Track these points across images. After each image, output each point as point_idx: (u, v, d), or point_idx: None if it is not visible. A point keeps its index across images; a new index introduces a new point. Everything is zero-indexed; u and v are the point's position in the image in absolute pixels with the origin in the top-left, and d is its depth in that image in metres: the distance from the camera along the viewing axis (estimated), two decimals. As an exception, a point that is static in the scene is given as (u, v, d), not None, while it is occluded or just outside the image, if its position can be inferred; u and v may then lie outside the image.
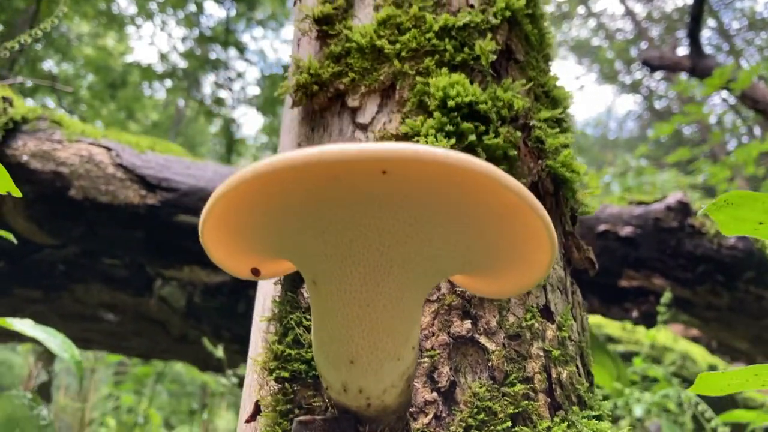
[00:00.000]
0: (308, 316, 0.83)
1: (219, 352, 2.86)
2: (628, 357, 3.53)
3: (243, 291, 2.62)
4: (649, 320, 2.42)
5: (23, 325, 1.74)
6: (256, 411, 0.82)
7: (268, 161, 0.55)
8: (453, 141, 0.87)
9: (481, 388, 0.76)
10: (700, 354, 3.87)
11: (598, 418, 0.84)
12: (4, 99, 2.40)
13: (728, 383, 0.96)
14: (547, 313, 0.85)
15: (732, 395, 3.81)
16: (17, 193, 0.90)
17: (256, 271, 0.70)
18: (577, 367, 0.86)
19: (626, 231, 2.44)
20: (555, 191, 0.94)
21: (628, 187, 8.68)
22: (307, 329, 0.82)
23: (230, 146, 9.18)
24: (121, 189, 2.41)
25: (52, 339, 1.73)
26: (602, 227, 2.48)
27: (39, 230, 2.50)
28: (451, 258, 0.66)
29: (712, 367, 3.85)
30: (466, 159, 0.55)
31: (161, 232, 2.47)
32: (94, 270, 2.84)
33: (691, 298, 2.47)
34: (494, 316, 0.81)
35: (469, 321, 0.80)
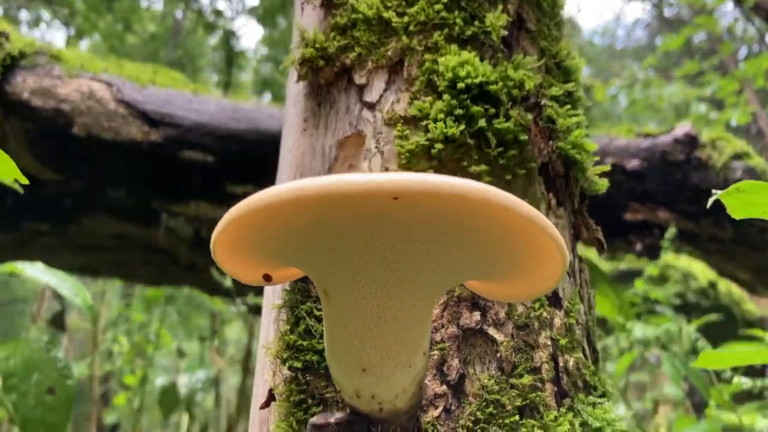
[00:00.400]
0: (319, 306, 0.84)
1: (227, 281, 2.91)
2: (631, 276, 3.57)
3: (249, 226, 2.63)
4: (652, 253, 2.44)
5: (35, 271, 1.76)
6: (270, 398, 0.84)
7: (276, 191, 0.55)
8: (462, 126, 0.86)
9: (489, 380, 0.78)
10: (701, 270, 3.92)
11: (603, 395, 0.86)
12: (0, 34, 2.34)
13: (731, 359, 0.98)
14: (555, 300, 0.86)
15: (730, 310, 3.89)
16: (24, 181, 0.89)
17: (267, 277, 0.70)
18: (584, 349, 0.88)
19: (633, 164, 2.43)
20: (565, 172, 0.93)
21: (635, 100, 8.56)
22: (318, 320, 0.83)
23: (230, 59, 9.01)
24: (123, 126, 2.39)
25: (64, 284, 1.75)
26: (609, 160, 2.46)
27: (43, 167, 2.49)
28: (462, 271, 0.67)
29: (712, 284, 3.91)
30: (484, 191, 0.54)
31: (166, 169, 2.47)
32: (100, 203, 2.85)
33: (695, 231, 2.48)
34: (503, 308, 0.82)
35: (479, 312, 0.81)
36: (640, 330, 2.86)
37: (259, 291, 3.35)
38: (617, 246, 2.48)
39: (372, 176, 0.53)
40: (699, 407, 2.09)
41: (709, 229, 2.46)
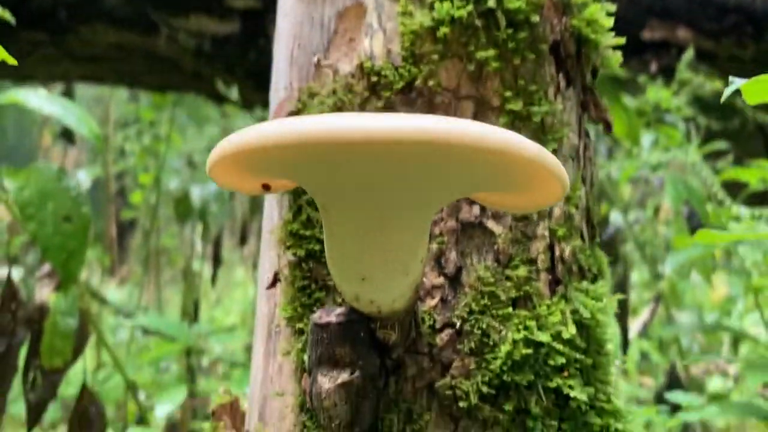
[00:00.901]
0: (320, 195, 0.84)
1: (233, 94, 2.88)
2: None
3: (253, 41, 2.55)
4: (667, 74, 2.38)
5: (39, 101, 1.74)
6: (275, 280, 0.88)
7: (276, 130, 0.53)
8: (471, 7, 0.80)
9: (486, 271, 0.80)
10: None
11: (596, 277, 0.89)
12: None
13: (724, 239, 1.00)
14: (556, 187, 0.86)
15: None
16: (12, 62, 0.85)
17: (266, 187, 0.70)
18: (582, 233, 0.89)
19: (656, -23, 2.28)
20: (577, 51, 0.88)
21: None
22: (317, 208, 0.84)
23: None
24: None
25: (69, 114, 1.75)
26: (631, -28, 2.32)
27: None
28: (462, 190, 0.67)
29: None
30: (503, 142, 0.53)
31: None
32: (98, 11, 2.75)
33: (714, 50, 2.39)
34: (503, 200, 0.82)
35: (478, 206, 0.81)
36: (648, 139, 2.87)
37: (266, 105, 3.33)
38: (632, 66, 2.41)
39: (383, 122, 0.51)
40: (696, 230, 2.15)
41: (730, 49, 2.37)
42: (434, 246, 0.81)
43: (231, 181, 0.67)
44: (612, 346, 0.89)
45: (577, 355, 0.81)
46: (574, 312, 0.83)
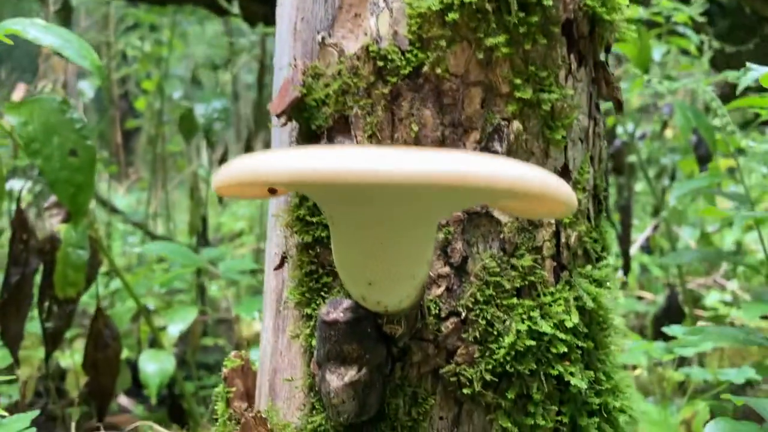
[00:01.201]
0: (326, 181, 0.84)
1: (234, 9, 2.80)
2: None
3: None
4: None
5: (36, 33, 1.71)
6: (283, 261, 0.89)
7: (284, 164, 0.52)
8: (481, -10, 0.77)
9: (491, 261, 0.81)
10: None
11: (599, 258, 0.90)
12: None
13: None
14: (564, 172, 0.85)
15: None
16: None
17: (272, 191, 0.70)
18: (588, 215, 0.89)
19: None
20: (590, 31, 0.85)
21: None
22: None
23: None
24: None
25: (69, 46, 1.71)
26: None
27: None
28: (477, 203, 0.67)
29: None
30: (519, 182, 0.53)
31: None
32: None
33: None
34: (510, 189, 0.81)
35: (485, 195, 0.81)
36: (658, 52, 2.80)
37: (267, 20, 3.23)
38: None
39: (413, 165, 0.50)
40: (703, 159, 2.14)
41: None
42: (440, 235, 0.81)
43: (237, 194, 0.67)
44: (616, 319, 0.91)
45: (579, 342, 0.83)
46: (578, 299, 0.84)
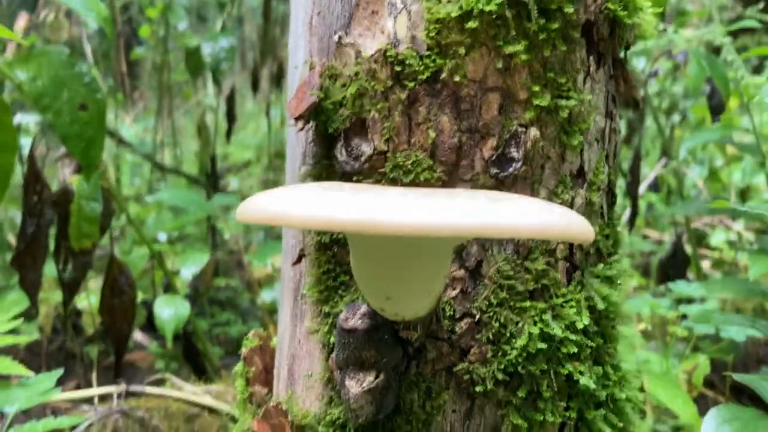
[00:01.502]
0: (345, 181, 0.85)
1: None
2: None
3: None
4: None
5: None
6: (300, 257, 0.91)
7: (308, 209, 0.54)
8: (501, -2, 0.76)
9: (505, 264, 0.83)
10: None
11: (610, 254, 0.92)
12: None
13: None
14: (579, 175, 0.86)
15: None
16: None
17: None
18: (602, 212, 0.90)
19: None
20: (611, 33, 0.84)
21: None
22: (344, 197, 0.85)
23: None
24: None
25: (75, -2, 1.69)
26: None
27: None
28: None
29: None
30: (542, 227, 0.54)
31: None
32: None
33: None
34: (526, 194, 0.82)
35: (501, 201, 0.82)
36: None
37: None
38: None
39: (441, 218, 0.51)
40: (716, 109, 2.12)
41: None
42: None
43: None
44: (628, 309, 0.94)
45: (589, 342, 0.85)
46: (589, 299, 0.86)
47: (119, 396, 1.57)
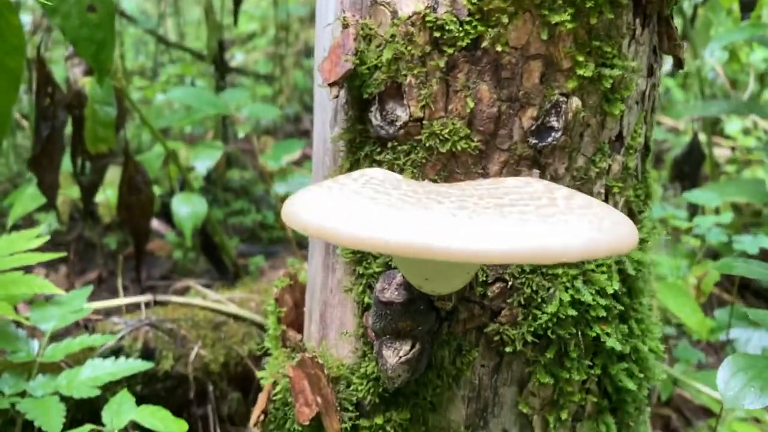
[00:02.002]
0: (378, 150, 0.84)
1: None
2: None
3: None
4: None
5: None
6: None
7: (360, 230, 0.55)
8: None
9: (539, 231, 0.83)
10: None
11: (641, 212, 0.92)
12: None
13: None
14: (618, 139, 0.84)
15: None
16: None
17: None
18: (636, 173, 0.90)
19: None
20: (661, -4, 0.80)
21: None
22: (375, 163, 0.84)
23: None
24: None
25: None
26: None
27: None
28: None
29: None
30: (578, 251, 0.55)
31: None
32: None
33: None
34: (563, 163, 0.81)
35: (538, 170, 0.81)
36: None
37: None
38: None
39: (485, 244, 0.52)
40: (747, 6, 2.03)
41: None
42: (491, 209, 0.82)
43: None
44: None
45: (617, 305, 0.87)
46: (620, 262, 0.87)
47: (147, 305, 1.63)
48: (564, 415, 0.88)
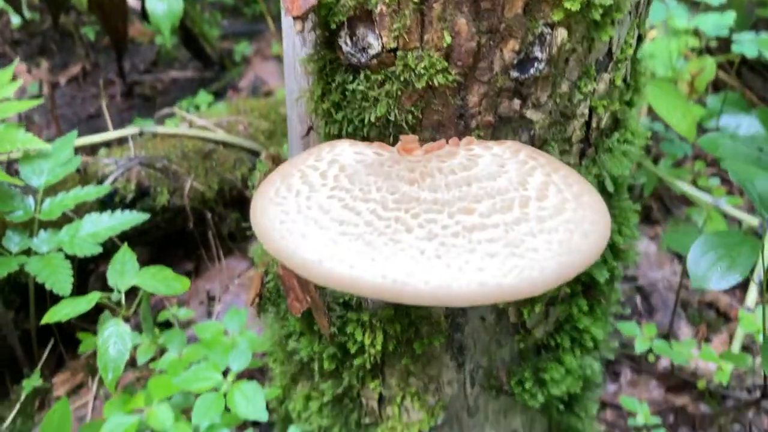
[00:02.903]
0: (351, 79, 0.79)
1: None
2: None
3: None
4: None
5: None
6: (309, 130, 0.89)
7: (330, 269, 0.57)
8: None
9: (519, 154, 0.82)
10: None
11: (630, 138, 0.89)
12: None
13: None
14: (606, 58, 0.79)
15: None
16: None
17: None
18: (625, 79, 0.85)
19: None
20: None
21: None
22: (349, 93, 0.79)
23: None
24: None
25: None
26: None
27: None
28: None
29: None
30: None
31: None
32: None
33: None
34: (546, 92, 0.77)
35: (519, 101, 0.77)
36: None
37: None
38: None
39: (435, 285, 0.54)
40: None
41: None
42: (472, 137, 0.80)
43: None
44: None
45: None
46: (599, 176, 0.87)
47: (133, 138, 1.61)
48: (538, 308, 0.94)
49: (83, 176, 1.50)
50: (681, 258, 1.90)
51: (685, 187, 1.79)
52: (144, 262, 1.65)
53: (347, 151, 0.67)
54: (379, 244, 0.55)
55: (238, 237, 1.76)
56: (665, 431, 1.42)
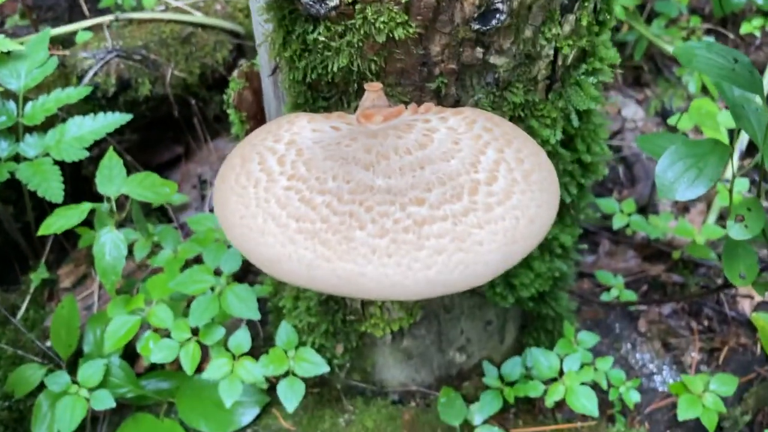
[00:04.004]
0: (311, 29, 0.77)
1: None
2: None
3: None
4: None
5: None
6: (276, 68, 0.88)
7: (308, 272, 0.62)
8: None
9: (484, 97, 0.82)
10: None
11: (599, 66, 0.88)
12: None
13: None
14: (570, 2, 0.77)
15: None
16: None
17: None
18: (595, 9, 0.83)
19: None
20: None
21: None
22: (311, 44, 0.78)
23: None
24: None
25: None
26: None
27: None
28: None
29: None
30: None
31: None
32: None
33: None
34: (509, 39, 0.76)
35: (482, 49, 0.77)
36: None
37: None
38: None
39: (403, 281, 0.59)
40: None
41: None
42: (433, 85, 0.80)
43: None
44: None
45: (569, 154, 0.90)
46: (563, 109, 0.87)
47: (108, 26, 1.55)
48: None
49: (62, 71, 1.48)
50: (668, 125, 1.90)
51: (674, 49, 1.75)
52: (135, 147, 1.68)
53: (305, 129, 0.68)
54: (333, 243, 0.59)
55: (224, 119, 1.77)
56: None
